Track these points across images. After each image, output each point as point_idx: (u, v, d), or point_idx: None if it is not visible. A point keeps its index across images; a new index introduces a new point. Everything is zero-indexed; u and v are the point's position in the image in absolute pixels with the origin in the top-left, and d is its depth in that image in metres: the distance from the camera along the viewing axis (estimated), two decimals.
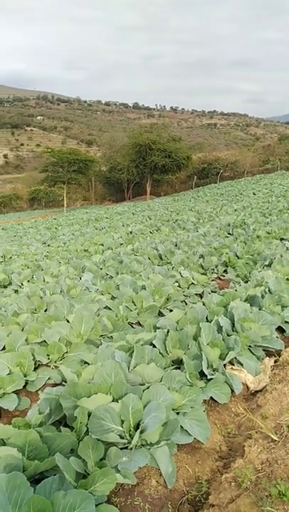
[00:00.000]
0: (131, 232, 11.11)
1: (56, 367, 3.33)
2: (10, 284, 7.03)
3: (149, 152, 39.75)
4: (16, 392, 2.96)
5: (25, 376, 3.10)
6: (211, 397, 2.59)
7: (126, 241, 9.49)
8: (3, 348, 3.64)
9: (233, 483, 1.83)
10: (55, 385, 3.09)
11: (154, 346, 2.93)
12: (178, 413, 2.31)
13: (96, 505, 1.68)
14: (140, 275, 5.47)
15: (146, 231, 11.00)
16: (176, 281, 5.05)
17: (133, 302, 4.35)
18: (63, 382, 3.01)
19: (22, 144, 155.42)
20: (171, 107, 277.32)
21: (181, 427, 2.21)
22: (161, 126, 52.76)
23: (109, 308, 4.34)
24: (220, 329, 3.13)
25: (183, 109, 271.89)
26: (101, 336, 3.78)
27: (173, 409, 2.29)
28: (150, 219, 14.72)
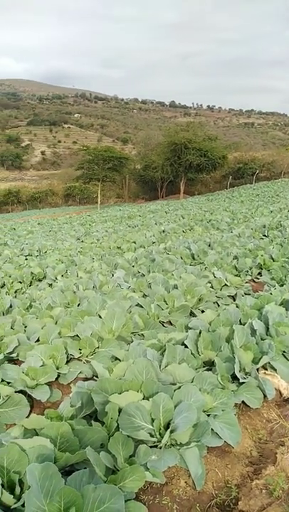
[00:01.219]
0: (163, 231, 11.09)
1: (87, 361, 3.38)
2: (45, 277, 7.19)
3: (185, 151, 39.51)
4: (48, 383, 3.03)
5: (57, 369, 3.16)
6: (243, 401, 2.55)
7: (158, 239, 9.49)
8: (38, 340, 3.74)
9: (264, 491, 1.79)
10: (85, 379, 3.14)
11: (186, 346, 2.92)
12: (208, 415, 2.28)
13: (125, 502, 1.68)
14: (172, 274, 5.45)
15: (179, 230, 10.95)
16: (209, 282, 4.99)
17: (165, 301, 4.34)
18: (94, 377, 3.04)
19: (59, 141, 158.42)
20: (208, 106, 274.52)
21: (212, 429, 2.18)
22: (197, 124, 52.20)
23: (141, 306, 4.35)
24: (253, 333, 3.07)
25: (220, 107, 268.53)
26: (132, 333, 3.79)
27: (203, 411, 2.27)
28: (183, 218, 14.65)
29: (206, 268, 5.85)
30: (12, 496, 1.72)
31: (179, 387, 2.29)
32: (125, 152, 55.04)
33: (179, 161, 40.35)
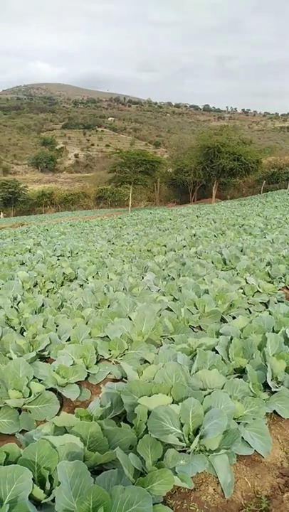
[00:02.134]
0: (194, 235, 11.02)
1: (116, 362, 3.40)
2: (76, 278, 7.30)
3: (218, 155, 39.20)
4: (78, 383, 3.07)
5: (87, 368, 3.20)
6: (274, 411, 2.49)
7: (189, 243, 9.43)
8: (68, 339, 3.80)
9: None
10: (114, 380, 3.16)
11: (217, 352, 2.89)
12: (238, 423, 2.25)
13: (152, 505, 1.68)
14: (203, 279, 5.40)
15: (210, 234, 10.85)
16: (241, 288, 4.92)
17: (195, 306, 4.31)
18: (124, 379, 3.06)
19: (92, 144, 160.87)
20: (243, 110, 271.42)
21: (242, 437, 2.15)
22: (231, 128, 51.72)
23: (171, 310, 4.34)
24: (287, 341, 3.00)
25: (255, 111, 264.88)
26: (161, 336, 3.79)
27: (234, 419, 2.23)
28: (215, 222, 14.50)
29: (237, 274, 5.77)
30: (42, 491, 1.75)
31: (209, 393, 2.27)
32: (157, 156, 55.17)
33: (212, 164, 40.07)
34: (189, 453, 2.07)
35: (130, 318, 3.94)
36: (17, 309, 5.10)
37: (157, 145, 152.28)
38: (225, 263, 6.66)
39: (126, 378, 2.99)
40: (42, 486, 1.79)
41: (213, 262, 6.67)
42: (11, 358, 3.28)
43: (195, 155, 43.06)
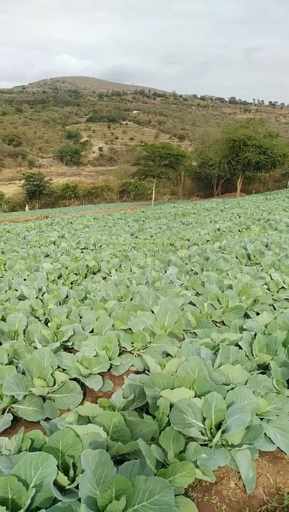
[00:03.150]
0: (218, 229, 10.92)
1: (139, 355, 3.42)
2: (99, 271, 7.37)
3: (243, 148, 38.59)
4: (101, 374, 3.11)
5: (110, 360, 3.23)
6: None
7: (213, 238, 9.35)
8: (92, 331, 3.85)
9: None
10: (136, 372, 3.18)
11: (240, 348, 2.87)
12: (261, 419, 2.23)
13: (174, 496, 1.69)
14: (227, 274, 5.35)
15: (234, 229, 10.72)
16: (265, 284, 4.85)
17: (218, 301, 4.28)
18: (146, 371, 3.08)
19: (116, 138, 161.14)
20: (270, 102, 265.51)
21: (264, 433, 2.13)
22: (257, 121, 50.74)
23: (194, 304, 4.33)
24: None
25: (282, 104, 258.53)
26: (184, 330, 3.78)
27: (256, 415, 2.22)
28: (239, 217, 14.32)
29: (262, 269, 5.69)
30: (66, 478, 1.79)
31: (232, 388, 2.26)
32: (182, 149, 54.74)
33: (237, 158, 39.50)
34: (211, 447, 2.07)
35: (153, 312, 3.95)
36: (42, 300, 5.20)
37: (182, 138, 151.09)
38: (249, 258, 6.58)
39: (148, 371, 3.01)
40: (66, 473, 1.84)
41: (237, 257, 6.61)
42: (36, 348, 3.35)
43: (220, 148, 42.53)
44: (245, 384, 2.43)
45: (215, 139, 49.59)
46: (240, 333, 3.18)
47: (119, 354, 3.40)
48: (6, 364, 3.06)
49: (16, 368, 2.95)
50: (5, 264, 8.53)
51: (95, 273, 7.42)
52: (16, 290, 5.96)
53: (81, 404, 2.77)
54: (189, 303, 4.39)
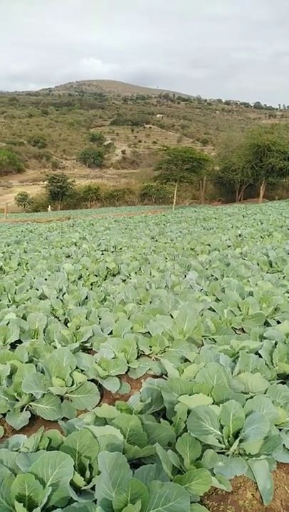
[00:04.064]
0: (240, 235, 10.82)
1: (156, 359, 3.42)
2: (119, 273, 7.40)
3: (268, 153, 38.18)
4: (118, 376, 3.11)
5: (128, 362, 3.24)
6: None
7: (234, 243, 9.27)
8: (110, 333, 3.86)
9: None
10: (154, 376, 3.18)
11: (260, 356, 2.83)
12: (280, 429, 2.20)
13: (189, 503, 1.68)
14: (248, 280, 5.30)
15: (256, 235, 10.60)
16: (287, 292, 4.77)
17: (238, 307, 4.24)
18: (163, 376, 3.07)
19: (140, 141, 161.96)
20: None
21: (283, 444, 2.09)
22: (283, 127, 50.09)
23: (213, 310, 4.29)
24: None
25: None
26: (203, 336, 3.76)
27: (275, 425, 2.18)
28: (261, 223, 14.15)
29: (284, 277, 5.61)
30: (83, 479, 1.80)
31: (251, 397, 2.23)
32: (204, 153, 54.52)
33: (261, 164, 39.10)
34: (228, 455, 2.05)
35: (172, 316, 3.95)
36: (62, 300, 5.26)
37: (205, 142, 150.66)
38: (271, 265, 6.49)
39: (166, 375, 3.00)
40: (82, 474, 1.84)
41: (258, 264, 6.53)
42: (55, 347, 3.39)
43: (244, 153, 42.17)
44: (265, 393, 2.40)
45: (239, 144, 49.19)
46: (260, 341, 3.14)
47: (137, 357, 3.40)
48: (26, 362, 3.10)
49: (36, 366, 2.98)
50: (27, 264, 8.67)
51: (114, 275, 7.45)
52: (37, 289, 6.04)
53: (98, 405, 2.78)
54: (209, 308, 4.36)
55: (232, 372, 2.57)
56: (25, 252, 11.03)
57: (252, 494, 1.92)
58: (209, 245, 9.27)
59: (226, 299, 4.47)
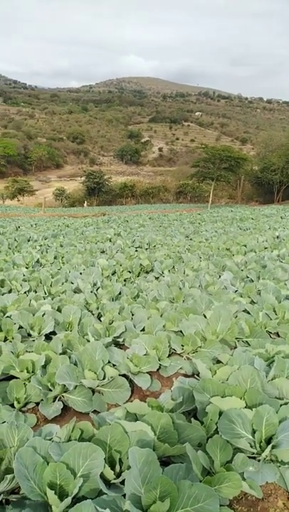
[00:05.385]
0: (278, 237, 10.55)
1: (188, 358, 3.40)
2: (152, 270, 7.41)
3: None
4: (149, 373, 3.12)
5: (159, 360, 3.24)
6: None
7: (271, 245, 9.05)
8: (143, 329, 3.88)
9: None
10: (185, 375, 3.16)
11: None
12: None
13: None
14: (285, 283, 5.16)
15: None
16: None
17: (274, 311, 4.14)
18: (195, 376, 3.05)
19: (177, 139, 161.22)
20: None
21: None
22: None
23: (248, 313, 4.22)
24: None
25: None
26: (236, 338, 3.70)
27: None
28: None
29: None
30: (112, 472, 1.82)
31: (286, 403, 2.17)
32: (243, 152, 53.51)
33: None
34: (259, 461, 2.01)
35: (205, 316, 3.91)
36: (96, 295, 5.33)
37: (244, 141, 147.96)
38: None
39: (197, 375, 2.98)
40: (112, 467, 1.86)
41: None
42: (88, 341, 3.44)
43: (284, 153, 41.10)
44: None
45: (279, 144, 47.95)
46: None
47: (169, 355, 3.38)
48: (60, 354, 3.17)
49: (69, 358, 3.04)
50: (63, 257, 8.84)
51: (147, 272, 7.47)
52: (72, 283, 6.15)
53: (128, 401, 2.80)
54: (243, 310, 4.29)
55: (266, 377, 2.51)
56: (61, 245, 11.25)
57: (283, 503, 1.87)
58: (245, 246, 9.10)
59: (262, 302, 4.38)
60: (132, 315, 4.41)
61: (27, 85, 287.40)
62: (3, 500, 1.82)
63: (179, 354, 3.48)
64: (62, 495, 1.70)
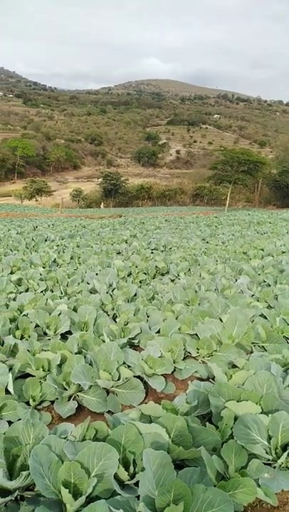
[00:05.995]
0: None
1: (203, 362, 3.38)
2: (168, 272, 7.39)
3: None
4: (164, 375, 3.11)
5: (174, 363, 3.23)
6: None
7: None
8: (158, 332, 3.87)
9: None
10: (199, 379, 3.14)
11: None
12: None
13: None
14: None
15: None
16: None
17: None
18: (210, 379, 3.03)
19: (195, 141, 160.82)
20: None
21: None
22: None
23: (265, 317, 4.17)
24: None
25: None
26: (252, 343, 3.66)
27: None
28: None
29: None
30: (126, 473, 1.82)
31: None
32: (262, 156, 53.02)
33: None
34: (275, 467, 1.98)
35: (221, 320, 3.88)
36: (111, 295, 5.35)
37: (262, 144, 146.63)
38: None
39: (212, 379, 2.96)
40: (126, 468, 1.86)
41: None
42: (103, 341, 3.45)
43: None
44: None
45: None
46: None
47: (184, 358, 3.37)
48: (76, 353, 3.19)
49: (84, 358, 3.05)
50: (79, 258, 8.90)
51: (163, 274, 7.45)
52: (88, 283, 6.19)
53: (143, 402, 2.80)
54: (260, 315, 4.24)
55: (283, 383, 2.48)
56: (78, 246, 11.33)
57: None
58: (263, 250, 9.00)
59: (279, 307, 4.33)
60: (148, 317, 4.40)
61: (47, 87, 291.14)
62: (18, 497, 1.83)
63: (194, 357, 3.47)
64: (76, 494, 1.71)
